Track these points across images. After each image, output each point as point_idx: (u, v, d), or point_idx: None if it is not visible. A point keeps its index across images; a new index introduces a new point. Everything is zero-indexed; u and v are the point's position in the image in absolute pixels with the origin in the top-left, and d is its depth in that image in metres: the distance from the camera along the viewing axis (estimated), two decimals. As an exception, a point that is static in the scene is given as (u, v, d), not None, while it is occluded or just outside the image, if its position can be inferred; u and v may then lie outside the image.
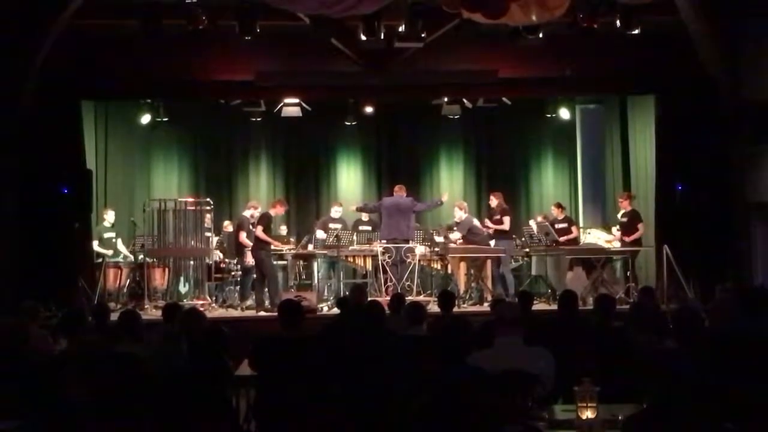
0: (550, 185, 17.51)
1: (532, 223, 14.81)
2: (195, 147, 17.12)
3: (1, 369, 5.34)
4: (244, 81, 13.40)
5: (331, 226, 13.91)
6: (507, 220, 13.61)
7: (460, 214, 13.92)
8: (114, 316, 7.99)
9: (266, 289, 12.74)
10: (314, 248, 13.81)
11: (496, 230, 13.66)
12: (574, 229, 14.01)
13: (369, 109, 15.81)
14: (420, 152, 17.51)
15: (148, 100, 15.61)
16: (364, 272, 13.78)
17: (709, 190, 12.76)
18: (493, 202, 14.06)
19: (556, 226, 13.87)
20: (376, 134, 17.42)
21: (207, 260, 13.33)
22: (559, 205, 14.53)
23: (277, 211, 13.40)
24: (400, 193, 13.55)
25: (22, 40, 11.58)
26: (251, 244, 13.09)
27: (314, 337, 6.70)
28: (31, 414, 4.71)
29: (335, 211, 14.46)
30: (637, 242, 13.24)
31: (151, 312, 11.93)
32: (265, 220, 12.85)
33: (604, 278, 13.03)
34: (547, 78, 13.83)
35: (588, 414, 4.33)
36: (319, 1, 10.63)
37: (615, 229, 13.89)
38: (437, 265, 13.95)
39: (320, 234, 13.96)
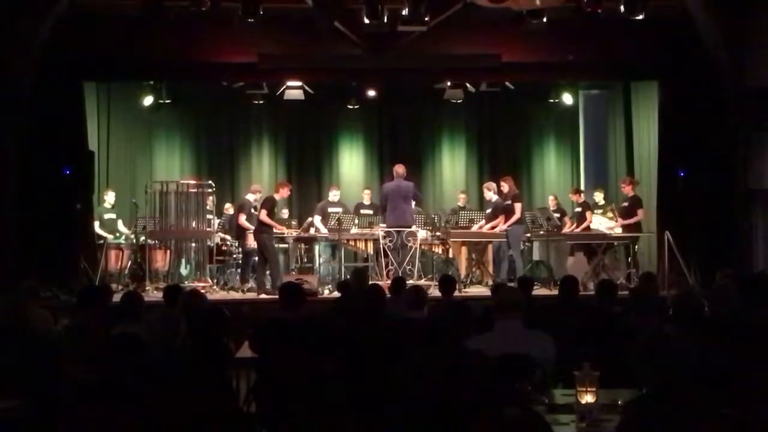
0: (552, 171, 17.45)
1: (550, 198, 14.82)
2: (197, 129, 17.08)
3: (1, 348, 5.34)
4: (247, 63, 13.36)
5: (331, 210, 13.87)
6: (518, 207, 13.29)
7: (490, 195, 13.78)
8: (115, 298, 8.01)
9: (267, 272, 12.76)
10: (315, 233, 13.79)
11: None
12: (588, 214, 13.73)
13: (371, 93, 15.76)
14: (422, 136, 17.45)
15: (151, 82, 15.56)
16: (366, 256, 13.77)
17: (712, 176, 12.75)
18: (505, 187, 13.58)
19: (575, 210, 14.00)
20: (379, 118, 17.36)
21: (208, 242, 13.35)
22: (577, 191, 14.47)
23: (282, 195, 13.42)
24: (399, 172, 13.20)
25: (25, 21, 11.56)
26: (251, 227, 13.10)
27: (315, 319, 6.70)
28: (31, 393, 4.72)
29: (333, 195, 14.43)
30: (638, 228, 13.21)
31: (152, 293, 11.94)
32: (270, 204, 12.85)
33: (605, 264, 13.02)
34: (551, 63, 13.77)
35: (588, 398, 4.33)
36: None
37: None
38: (438, 250, 13.95)
39: (317, 220, 13.93)
